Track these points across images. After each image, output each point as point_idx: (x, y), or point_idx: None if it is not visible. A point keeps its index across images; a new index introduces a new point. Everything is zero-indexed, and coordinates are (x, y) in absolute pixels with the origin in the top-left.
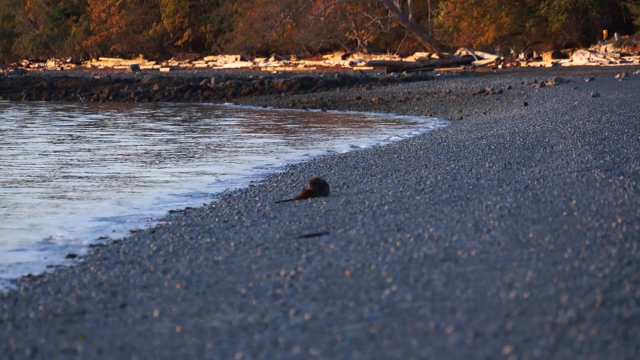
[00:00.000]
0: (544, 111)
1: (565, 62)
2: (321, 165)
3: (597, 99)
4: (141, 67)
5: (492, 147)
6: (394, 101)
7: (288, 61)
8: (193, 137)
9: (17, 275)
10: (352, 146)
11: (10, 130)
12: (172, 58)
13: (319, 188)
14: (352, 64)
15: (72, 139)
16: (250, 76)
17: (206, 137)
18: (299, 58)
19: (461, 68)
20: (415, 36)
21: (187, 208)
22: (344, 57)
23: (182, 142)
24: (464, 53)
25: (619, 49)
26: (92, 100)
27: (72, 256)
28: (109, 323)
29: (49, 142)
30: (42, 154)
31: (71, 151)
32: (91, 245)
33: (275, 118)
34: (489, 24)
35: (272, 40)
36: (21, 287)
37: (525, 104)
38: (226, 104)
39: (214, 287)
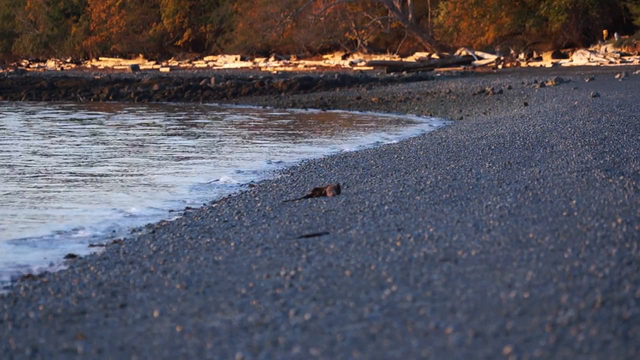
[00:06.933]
0: (544, 111)
1: (565, 62)
2: (321, 165)
3: (597, 99)
4: (141, 67)
5: (492, 147)
6: (394, 101)
7: (288, 61)
8: (192, 137)
9: (17, 275)
10: (352, 146)
11: (11, 126)
12: (172, 58)
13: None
14: (352, 64)
15: (71, 138)
16: (250, 76)
17: (205, 137)
18: (299, 58)
19: (461, 68)
20: (415, 36)
21: (187, 208)
22: (344, 57)
23: (181, 142)
24: (464, 53)
25: (619, 49)
26: (92, 100)
27: (72, 256)
28: (109, 323)
29: (48, 140)
30: (40, 153)
31: (70, 150)
32: (91, 245)
33: (275, 118)
34: (489, 24)
35: (272, 40)
36: (21, 287)
37: (525, 104)
38: (226, 104)
39: (214, 287)
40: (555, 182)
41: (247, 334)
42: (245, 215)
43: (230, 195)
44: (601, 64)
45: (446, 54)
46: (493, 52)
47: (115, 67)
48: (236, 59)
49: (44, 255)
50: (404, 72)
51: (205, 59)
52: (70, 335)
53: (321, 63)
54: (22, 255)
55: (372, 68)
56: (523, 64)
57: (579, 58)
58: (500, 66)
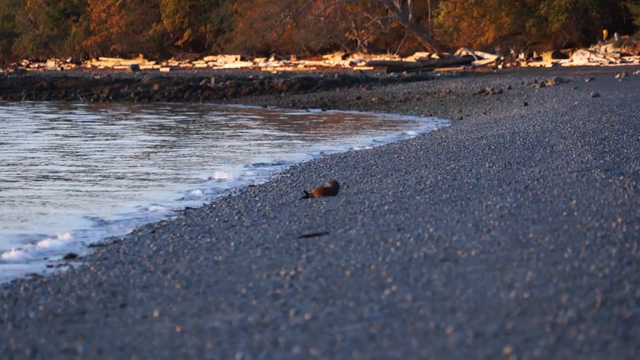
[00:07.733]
0: (544, 111)
1: (565, 62)
2: (321, 165)
3: (597, 99)
4: (141, 67)
5: (492, 147)
6: (394, 101)
7: (288, 61)
8: (192, 137)
9: (17, 275)
10: (352, 146)
11: (10, 129)
12: (172, 58)
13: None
14: (352, 64)
15: (70, 138)
16: (250, 76)
17: (205, 137)
18: (299, 58)
19: (461, 68)
20: (415, 36)
21: (187, 208)
22: (344, 57)
23: (181, 142)
24: (464, 53)
25: (619, 49)
26: (92, 100)
27: (72, 256)
28: (109, 323)
29: (48, 140)
30: (40, 153)
31: (70, 150)
32: (91, 245)
33: (275, 118)
34: (489, 24)
35: (272, 40)
36: (21, 287)
37: (525, 104)
38: (226, 104)
39: (214, 287)
40: (555, 182)
41: (247, 334)
42: (245, 215)
43: (230, 195)
44: (601, 64)
45: (446, 54)
46: (493, 52)
47: (115, 67)
48: (236, 59)
49: (44, 255)
50: (404, 72)
51: (205, 59)
52: (70, 335)
53: (321, 63)
54: (22, 255)
55: (372, 68)
56: (523, 64)
57: (579, 58)
58: (500, 66)
